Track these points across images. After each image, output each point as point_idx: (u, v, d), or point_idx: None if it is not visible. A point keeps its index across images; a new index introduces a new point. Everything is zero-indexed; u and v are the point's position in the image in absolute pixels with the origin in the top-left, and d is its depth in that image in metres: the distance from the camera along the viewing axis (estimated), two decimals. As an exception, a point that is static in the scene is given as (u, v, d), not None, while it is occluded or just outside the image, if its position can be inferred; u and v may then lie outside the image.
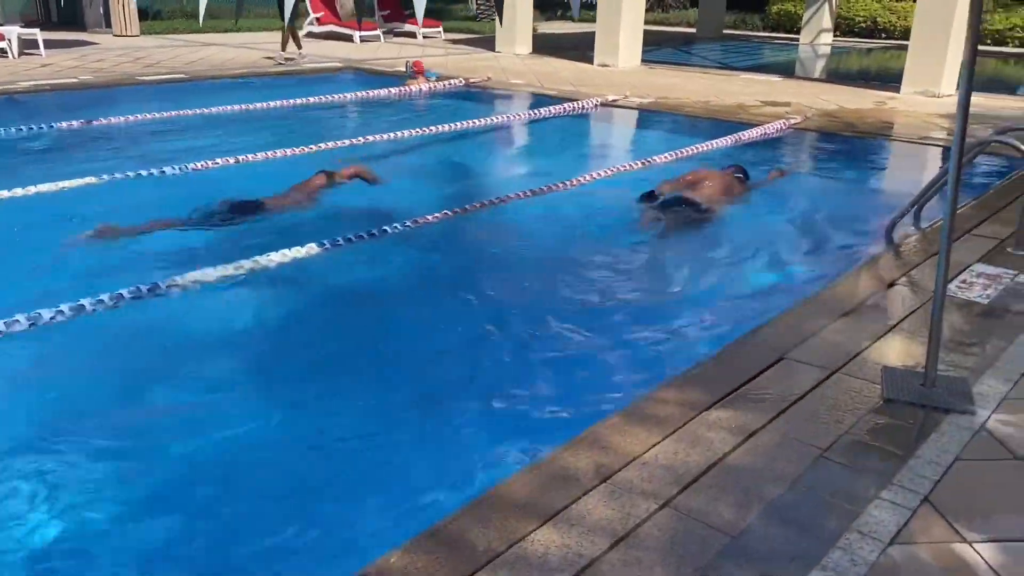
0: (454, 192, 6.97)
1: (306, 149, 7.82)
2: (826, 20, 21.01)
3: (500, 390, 3.70)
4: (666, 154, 7.91)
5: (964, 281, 4.58)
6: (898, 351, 3.72)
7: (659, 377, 3.46)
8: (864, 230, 6.04)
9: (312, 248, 5.15)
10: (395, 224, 5.67)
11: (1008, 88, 14.06)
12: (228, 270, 4.75)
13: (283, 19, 16.98)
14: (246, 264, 4.83)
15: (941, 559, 2.39)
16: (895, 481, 2.74)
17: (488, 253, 5.80)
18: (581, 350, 4.12)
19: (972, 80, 3.14)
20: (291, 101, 10.30)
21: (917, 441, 2.99)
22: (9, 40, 12.89)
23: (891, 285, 4.53)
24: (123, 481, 3.08)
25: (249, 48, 16.21)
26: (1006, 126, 5.69)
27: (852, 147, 8.81)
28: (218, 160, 7.23)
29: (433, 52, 16.77)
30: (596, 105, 10.76)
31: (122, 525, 2.87)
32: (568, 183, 6.89)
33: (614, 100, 10.94)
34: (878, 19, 22.90)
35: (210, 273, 4.67)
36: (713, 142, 8.47)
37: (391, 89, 11.78)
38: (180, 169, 6.88)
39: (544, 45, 17.98)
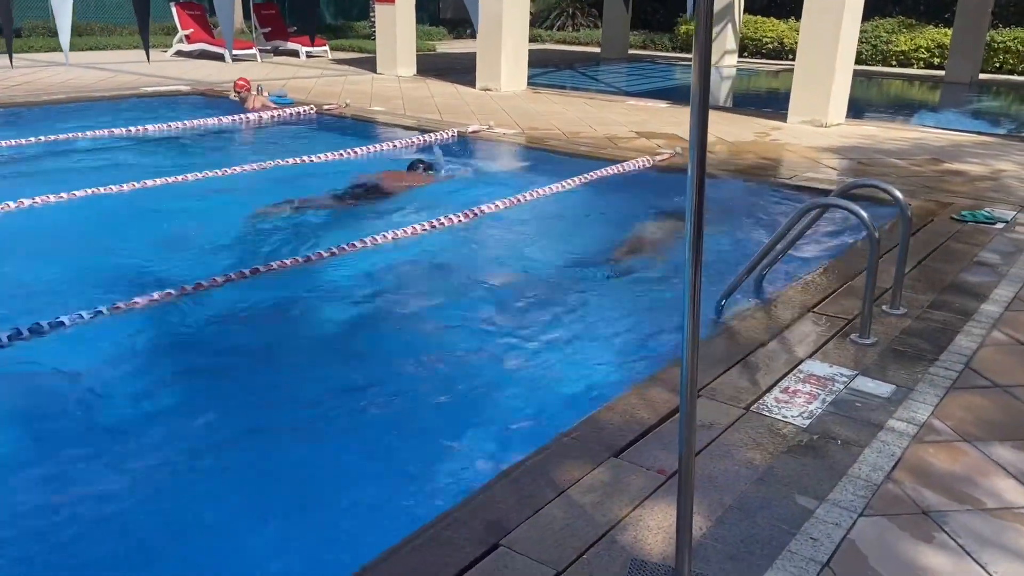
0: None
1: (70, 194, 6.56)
2: (730, 41, 20.46)
3: None
4: (496, 202, 6.83)
5: (786, 390, 3.59)
6: (662, 525, 2.66)
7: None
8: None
9: None
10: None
11: (906, 114, 13.51)
12: None
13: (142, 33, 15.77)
14: None
15: None
16: None
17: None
18: None
19: (705, 126, 2.10)
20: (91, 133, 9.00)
21: None
22: None
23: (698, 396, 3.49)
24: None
25: (98, 69, 14.73)
26: (852, 182, 4.76)
27: (711, 190, 7.85)
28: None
29: (308, 73, 15.53)
30: (453, 137, 9.68)
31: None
32: (355, 245, 5.69)
33: (475, 131, 9.88)
34: (784, 40, 22.52)
35: None
36: (556, 185, 7.44)
37: (230, 117, 10.50)
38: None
39: (433, 67, 16.92)
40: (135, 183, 7.08)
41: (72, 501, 3.01)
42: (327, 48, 19.11)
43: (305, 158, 8.28)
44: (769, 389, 3.59)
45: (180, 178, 7.37)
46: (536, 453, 3.06)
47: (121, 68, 15.10)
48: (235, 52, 16.84)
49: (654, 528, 2.63)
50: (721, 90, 17.35)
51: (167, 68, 15.59)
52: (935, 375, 3.75)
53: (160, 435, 3.47)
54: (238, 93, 11.15)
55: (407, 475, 3.25)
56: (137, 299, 4.58)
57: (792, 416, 3.36)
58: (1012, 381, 3.73)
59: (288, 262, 5.34)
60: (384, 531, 2.68)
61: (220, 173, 7.63)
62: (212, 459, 3.33)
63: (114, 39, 19.25)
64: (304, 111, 11.01)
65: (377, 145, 9.16)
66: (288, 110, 10.94)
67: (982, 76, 18.24)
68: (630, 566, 2.44)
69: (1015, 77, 19.12)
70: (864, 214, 3.94)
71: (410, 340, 4.52)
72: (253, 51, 17.37)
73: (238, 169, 7.81)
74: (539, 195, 7.23)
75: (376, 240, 5.81)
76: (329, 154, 8.46)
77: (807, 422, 3.32)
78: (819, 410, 3.41)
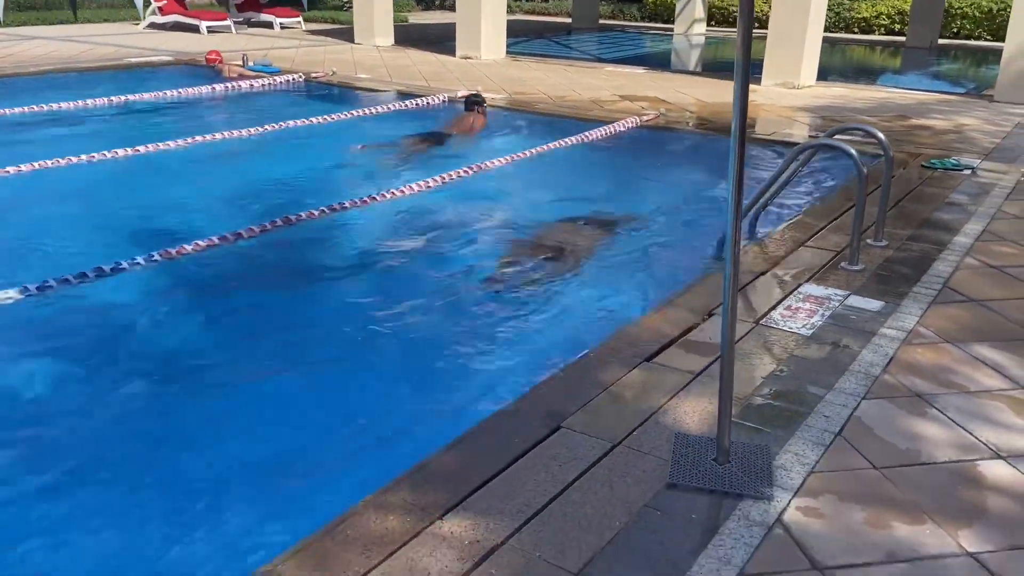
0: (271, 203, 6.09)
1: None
2: (699, 10, 20.88)
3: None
4: (502, 158, 7.21)
5: (789, 308, 4.03)
6: (697, 409, 3.08)
7: (390, 473, 2.69)
8: (690, 247, 5.47)
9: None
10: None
11: (871, 77, 14.06)
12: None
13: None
14: None
15: None
16: (654, 621, 2.08)
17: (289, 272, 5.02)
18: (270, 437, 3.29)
19: (747, 79, 2.50)
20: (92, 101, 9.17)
21: (696, 551, 2.34)
22: None
23: (708, 316, 3.93)
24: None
25: (76, 42, 14.68)
26: (840, 127, 5.21)
27: (698, 147, 8.30)
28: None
29: (286, 44, 15.62)
30: (444, 102, 9.98)
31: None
32: (385, 195, 6.14)
33: (463, 96, 10.16)
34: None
35: None
36: (555, 143, 7.82)
37: (223, 85, 10.67)
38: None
39: (409, 37, 17.09)
40: (159, 144, 7.39)
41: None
42: (300, 19, 19.15)
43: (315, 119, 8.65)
44: (774, 307, 4.04)
45: (214, 136, 7.92)
46: (579, 359, 3.48)
47: (93, 40, 15.05)
48: (209, 23, 16.85)
49: (690, 412, 3.06)
50: (692, 57, 17.78)
51: (141, 40, 15.57)
52: (918, 293, 4.22)
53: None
54: (212, 65, 11.34)
55: (477, 374, 3.75)
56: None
57: (796, 327, 3.81)
58: (984, 296, 4.21)
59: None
60: (461, 419, 3.10)
61: (247, 133, 8.04)
62: (319, 350, 3.85)
63: (83, 12, 19.07)
64: (293, 79, 11.21)
65: (381, 107, 9.46)
66: (277, 78, 11.12)
67: (941, 41, 18.87)
68: (675, 438, 2.87)
69: (971, 42, 19.80)
70: (854, 152, 4.39)
71: (477, 267, 5.00)
72: (228, 22, 17.37)
73: (253, 131, 8.13)
74: (544, 150, 7.62)
75: (456, 174, 6.62)
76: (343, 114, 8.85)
77: (810, 331, 3.77)
78: (819, 322, 3.86)
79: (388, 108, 9.57)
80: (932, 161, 7.02)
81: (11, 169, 6.50)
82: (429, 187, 6.42)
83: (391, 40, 16.01)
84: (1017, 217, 5.61)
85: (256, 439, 3.22)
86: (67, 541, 2.66)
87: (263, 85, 10.89)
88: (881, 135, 4.78)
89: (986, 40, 19.72)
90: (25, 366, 3.70)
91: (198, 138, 7.72)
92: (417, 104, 9.76)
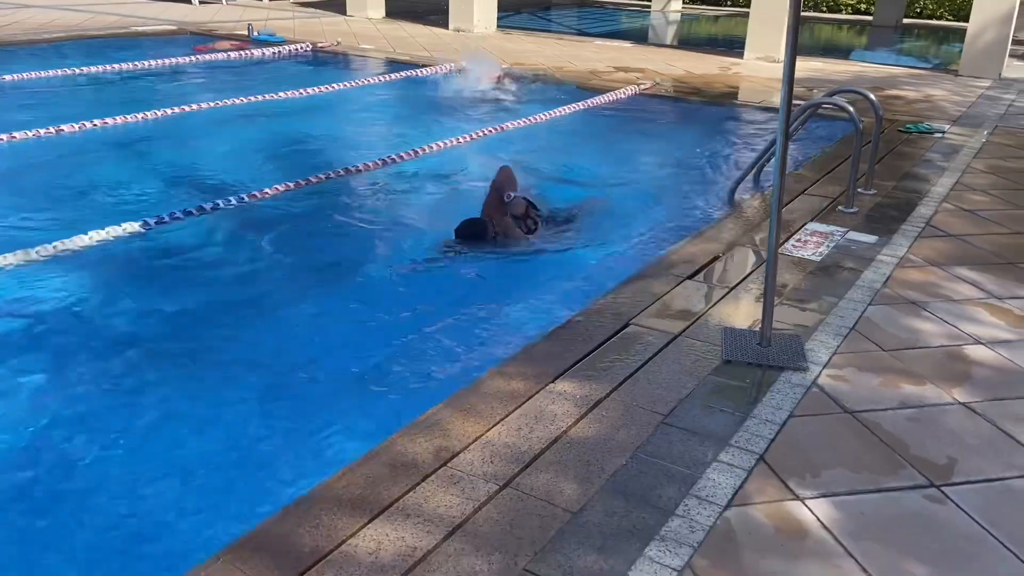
0: (305, 161, 6.68)
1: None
2: (675, -13, 21.50)
3: (335, 373, 3.52)
4: (519, 120, 7.83)
5: (799, 240, 4.74)
6: (737, 311, 3.78)
7: (505, 353, 3.35)
8: (708, 193, 6.18)
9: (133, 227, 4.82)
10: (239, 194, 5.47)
11: (843, 53, 14.86)
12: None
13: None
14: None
15: (774, 518, 2.42)
16: (732, 443, 2.76)
17: (336, 222, 5.58)
18: (422, 328, 3.96)
19: (796, 46, 3.16)
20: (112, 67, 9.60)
21: (753, 401, 3.03)
22: None
23: (732, 247, 4.62)
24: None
25: (75, 10, 14.87)
26: (836, 89, 5.90)
27: (697, 112, 9.01)
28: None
29: (279, 15, 15.95)
30: (448, 71, 10.53)
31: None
32: (425, 149, 6.79)
33: (465, 66, 10.72)
34: (724, -13, 23.64)
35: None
36: (565, 108, 8.46)
37: (229, 53, 11.10)
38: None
39: (399, 10, 17.47)
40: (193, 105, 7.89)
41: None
42: (289, -9, 19.38)
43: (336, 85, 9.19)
44: (786, 240, 4.74)
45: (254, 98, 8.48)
46: (635, 276, 4.15)
47: (93, 9, 15.24)
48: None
49: (731, 314, 3.75)
50: (671, 32, 18.45)
51: (139, 9, 15.78)
52: (906, 230, 4.95)
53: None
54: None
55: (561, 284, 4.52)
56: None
57: (807, 255, 4.51)
58: (961, 232, 4.96)
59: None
60: (553, 317, 3.77)
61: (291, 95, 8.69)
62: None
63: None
64: (300, 48, 11.64)
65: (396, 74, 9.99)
66: (283, 48, 11.55)
67: (906, 20, 19.78)
68: (724, 331, 3.55)
69: (934, 21, 20.75)
70: (851, 108, 5.09)
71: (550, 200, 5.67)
72: (219, -7, 17.58)
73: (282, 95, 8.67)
74: (556, 114, 8.28)
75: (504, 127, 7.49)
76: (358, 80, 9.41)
77: (819, 258, 4.47)
78: (826, 252, 4.57)
79: (401, 76, 10.10)
80: (907, 126, 7.78)
81: (75, 126, 7.00)
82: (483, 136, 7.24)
83: (383, 12, 16.42)
84: (984, 172, 6.38)
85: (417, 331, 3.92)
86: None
87: (274, 54, 11.32)
88: (873, 97, 5.50)
89: (947, 20, 20.68)
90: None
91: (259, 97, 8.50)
92: (425, 72, 10.30)
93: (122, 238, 4.78)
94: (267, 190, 5.60)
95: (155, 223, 4.95)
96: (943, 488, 2.58)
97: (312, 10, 17.28)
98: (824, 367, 3.29)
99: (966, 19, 11.75)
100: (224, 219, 5.26)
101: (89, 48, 11.03)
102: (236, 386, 3.46)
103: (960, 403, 3.07)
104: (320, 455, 2.96)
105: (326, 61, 11.36)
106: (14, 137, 6.68)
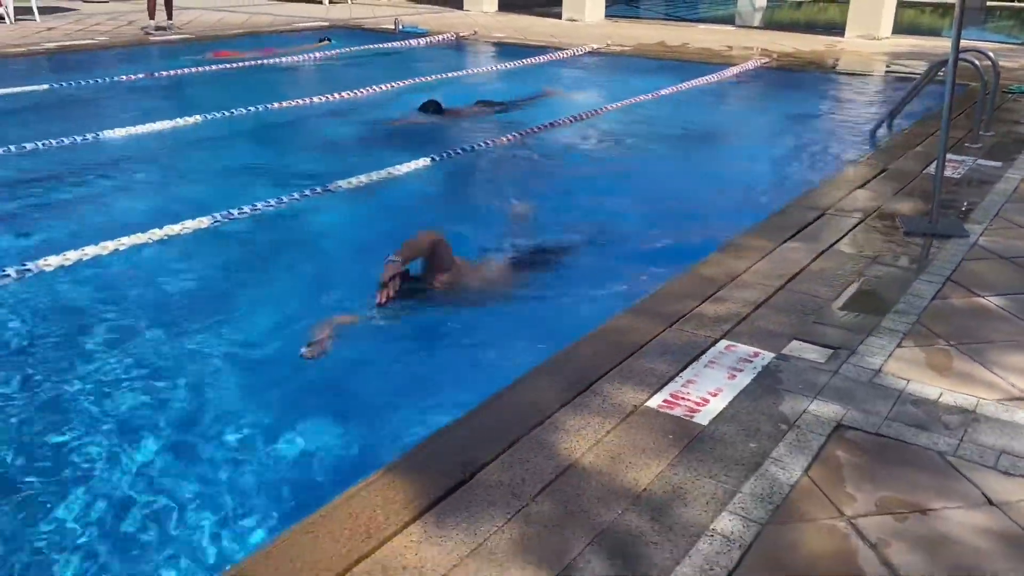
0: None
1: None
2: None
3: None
4: (669, 88, 9.18)
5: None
6: (906, 206, 5.05)
7: (739, 228, 4.72)
8: (855, 136, 7.56)
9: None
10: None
11: (936, 33, 15.78)
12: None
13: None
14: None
15: (965, 307, 3.71)
16: (927, 270, 4.05)
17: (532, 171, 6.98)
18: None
19: (963, 16, 4.41)
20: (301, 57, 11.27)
21: (936, 252, 4.31)
22: (5, 6, 13.21)
23: (885, 168, 5.88)
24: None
25: (233, 11, 16.67)
26: (959, 50, 7.07)
27: (821, 80, 10.24)
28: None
29: (402, 12, 17.53)
30: (585, 52, 11.90)
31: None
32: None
33: (598, 48, 12.10)
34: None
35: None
36: (702, 79, 9.77)
37: (391, 43, 12.68)
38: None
39: (507, 4, 18.93)
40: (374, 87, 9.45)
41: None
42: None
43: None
44: (929, 164, 5.97)
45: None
46: (825, 179, 5.47)
47: (248, 10, 17.02)
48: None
49: (898, 211, 5.02)
50: (763, 16, 19.52)
51: (284, 9, 17.50)
52: (1021, 160, 6.14)
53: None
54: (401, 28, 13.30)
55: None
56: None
57: (949, 174, 5.75)
58: (1071, 160, 6.14)
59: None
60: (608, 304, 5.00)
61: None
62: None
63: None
64: (445, 38, 13.17)
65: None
66: (430, 38, 13.09)
67: (989, 3, 20.45)
68: (900, 219, 4.82)
69: (1017, 3, 21.33)
70: (977, 62, 6.29)
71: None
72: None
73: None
74: (697, 84, 9.65)
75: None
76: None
77: (959, 175, 5.71)
78: (963, 172, 5.80)
79: (545, 59, 11.52)
80: (1011, 87, 8.86)
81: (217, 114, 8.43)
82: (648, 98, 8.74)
83: (495, 6, 17.89)
84: (1085, 120, 7.48)
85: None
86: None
87: (427, 43, 12.87)
88: (992, 55, 6.68)
89: (1032, 0, 21.23)
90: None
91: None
92: (561, 56, 11.69)
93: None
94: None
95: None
96: (1079, 293, 3.84)
97: (429, 6, 18.84)
98: (980, 236, 4.55)
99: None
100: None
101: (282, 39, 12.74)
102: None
103: (1085, 254, 4.31)
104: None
105: (471, 48, 12.85)
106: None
